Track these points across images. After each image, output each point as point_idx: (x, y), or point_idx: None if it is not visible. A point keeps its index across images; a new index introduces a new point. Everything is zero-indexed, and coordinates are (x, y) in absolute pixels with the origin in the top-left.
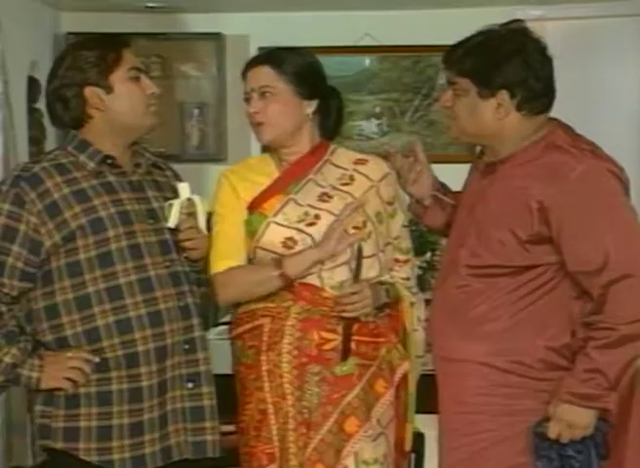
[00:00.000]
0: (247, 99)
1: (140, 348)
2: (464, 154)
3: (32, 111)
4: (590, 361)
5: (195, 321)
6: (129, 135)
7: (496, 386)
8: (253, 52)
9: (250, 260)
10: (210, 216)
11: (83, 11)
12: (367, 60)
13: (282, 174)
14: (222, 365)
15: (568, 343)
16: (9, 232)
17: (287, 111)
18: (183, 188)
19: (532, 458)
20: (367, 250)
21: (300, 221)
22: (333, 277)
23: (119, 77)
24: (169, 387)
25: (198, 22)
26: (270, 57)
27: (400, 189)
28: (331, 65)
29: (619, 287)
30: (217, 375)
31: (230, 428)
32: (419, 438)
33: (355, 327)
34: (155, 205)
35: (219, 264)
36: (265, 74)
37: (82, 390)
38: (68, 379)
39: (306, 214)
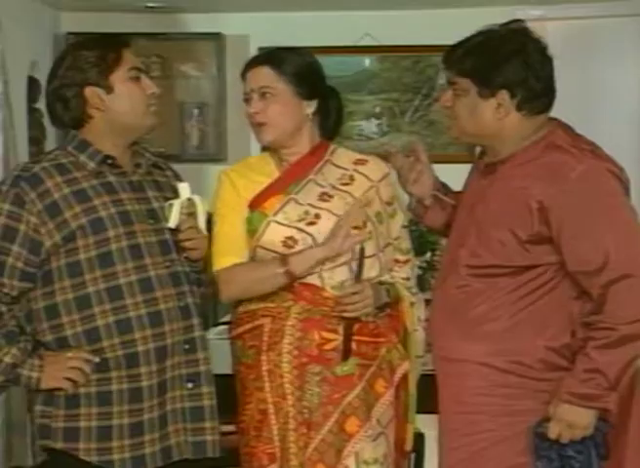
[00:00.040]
0: (247, 100)
1: (140, 348)
2: (464, 154)
3: (32, 111)
4: (590, 361)
5: (195, 321)
6: (129, 135)
7: (495, 386)
8: (253, 52)
9: (250, 259)
10: (210, 216)
11: (83, 11)
12: (367, 60)
13: (282, 174)
14: (222, 365)
15: (568, 343)
16: (9, 232)
17: (287, 111)
18: (183, 188)
19: (532, 458)
20: (367, 250)
21: (300, 221)
22: (333, 277)
23: (119, 77)
24: (169, 387)
25: (198, 22)
26: (270, 57)
27: (400, 189)
28: (331, 65)
29: (618, 287)
30: (217, 375)
31: (230, 428)
32: (419, 438)
33: (356, 327)
34: (155, 205)
35: (222, 261)
36: (265, 75)
37: (82, 390)
38: (68, 379)
39: (307, 213)
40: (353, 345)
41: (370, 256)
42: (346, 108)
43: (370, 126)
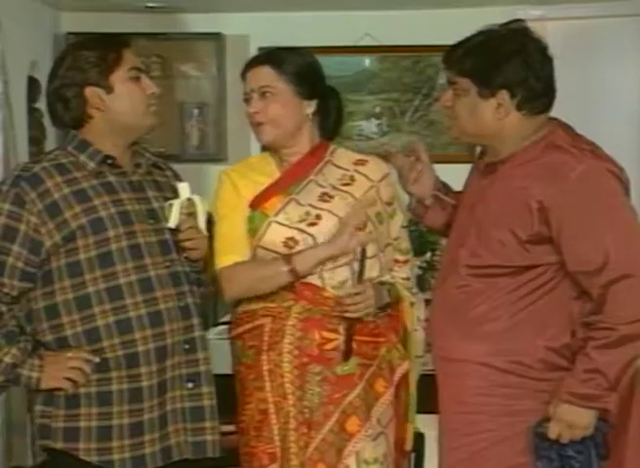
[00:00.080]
0: (247, 100)
1: (141, 348)
2: (464, 154)
3: (32, 111)
4: (590, 361)
5: (195, 321)
6: (129, 135)
7: (495, 386)
8: (253, 52)
9: (251, 259)
10: (210, 216)
11: (83, 11)
12: (367, 60)
13: (283, 174)
14: (222, 365)
15: (568, 343)
16: (9, 232)
17: (287, 111)
18: (183, 188)
19: (532, 458)
20: (368, 251)
21: (301, 221)
22: (334, 277)
23: (119, 77)
24: (169, 387)
25: (198, 22)
26: (270, 57)
27: (399, 189)
28: (331, 65)
29: (618, 287)
30: (217, 375)
31: (230, 428)
32: (419, 438)
33: (357, 326)
34: (155, 205)
35: (224, 259)
36: (265, 74)
37: (82, 390)
38: (68, 379)
39: (307, 213)
40: (354, 345)
41: (371, 257)
42: (346, 108)
43: (370, 126)
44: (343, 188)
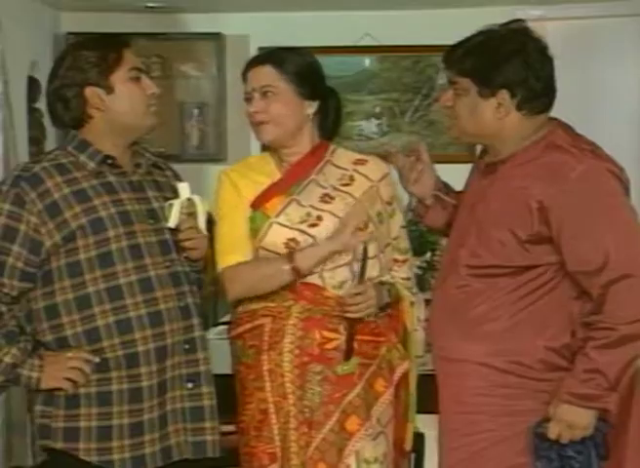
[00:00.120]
0: (248, 99)
1: (141, 348)
2: (464, 154)
3: (32, 111)
4: (590, 361)
5: (195, 321)
6: (129, 135)
7: (495, 386)
8: (253, 52)
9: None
10: (210, 216)
11: (83, 11)
12: (367, 60)
13: (283, 174)
14: (222, 365)
15: (568, 343)
16: (9, 232)
17: (288, 111)
18: (183, 188)
19: (532, 459)
20: (369, 251)
21: (302, 222)
22: (334, 277)
23: (120, 77)
24: (169, 387)
25: (198, 22)
26: (271, 56)
27: (399, 189)
28: (331, 65)
29: (618, 287)
30: (216, 375)
31: (230, 428)
32: (419, 438)
33: (357, 326)
34: (155, 205)
35: (226, 259)
36: (267, 74)
37: (82, 390)
38: (68, 379)
39: (309, 214)
40: (355, 345)
41: (372, 257)
42: (346, 108)
43: (370, 126)
44: (343, 189)
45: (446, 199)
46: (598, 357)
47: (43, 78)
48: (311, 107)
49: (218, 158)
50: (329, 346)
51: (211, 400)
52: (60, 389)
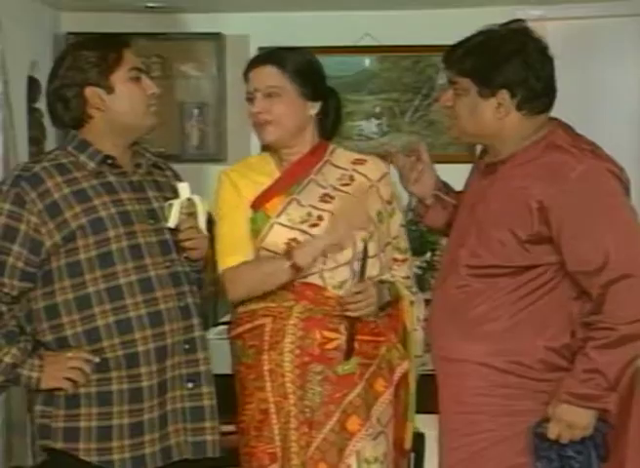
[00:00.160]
0: (250, 99)
1: (141, 348)
2: (464, 154)
3: (32, 111)
4: (590, 361)
5: (195, 321)
6: (129, 135)
7: (495, 386)
8: (253, 52)
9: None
10: (210, 216)
11: (83, 11)
12: (367, 60)
13: (283, 174)
14: (222, 365)
15: (568, 343)
16: (9, 232)
17: (291, 111)
18: (183, 188)
19: (531, 459)
20: (369, 250)
21: (303, 222)
22: (335, 277)
23: (120, 77)
24: (169, 387)
25: (198, 22)
26: (273, 56)
27: (399, 189)
28: (331, 65)
29: (618, 287)
30: (216, 375)
31: (230, 428)
32: (419, 438)
33: (358, 326)
34: (155, 205)
35: (227, 260)
36: (270, 74)
37: (82, 390)
38: (68, 379)
39: (309, 214)
40: (355, 344)
41: (372, 256)
42: (346, 108)
43: (370, 126)
44: (343, 189)
45: (446, 199)
46: (598, 357)
47: (43, 78)
48: (314, 108)
49: (218, 158)
50: (329, 346)
51: (211, 400)
52: (60, 389)
